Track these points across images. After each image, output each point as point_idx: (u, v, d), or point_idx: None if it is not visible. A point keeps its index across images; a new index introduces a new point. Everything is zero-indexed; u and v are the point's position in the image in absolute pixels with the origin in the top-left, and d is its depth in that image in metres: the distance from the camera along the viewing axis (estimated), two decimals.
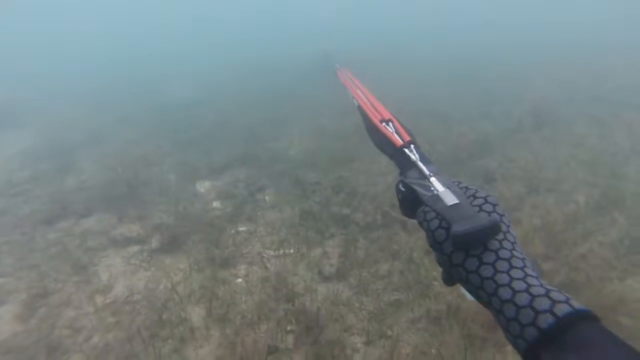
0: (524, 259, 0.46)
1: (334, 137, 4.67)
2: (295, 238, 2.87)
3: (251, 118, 5.73)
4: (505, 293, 0.43)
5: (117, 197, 3.63)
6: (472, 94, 6.03)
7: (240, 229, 3.08)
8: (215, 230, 3.01)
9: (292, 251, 2.76)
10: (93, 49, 16.18)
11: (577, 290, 2.01)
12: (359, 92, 0.98)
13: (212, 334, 2.05)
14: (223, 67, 10.71)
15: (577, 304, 0.40)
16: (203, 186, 3.89)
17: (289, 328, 2.08)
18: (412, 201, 0.61)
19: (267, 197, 3.55)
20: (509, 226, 0.51)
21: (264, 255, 2.76)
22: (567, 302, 0.40)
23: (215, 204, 3.52)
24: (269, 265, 2.64)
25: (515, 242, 0.48)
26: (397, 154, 0.70)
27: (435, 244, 0.51)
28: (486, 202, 0.53)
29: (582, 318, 0.39)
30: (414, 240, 2.68)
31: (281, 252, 2.75)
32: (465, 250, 0.48)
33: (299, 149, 4.48)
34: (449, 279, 0.54)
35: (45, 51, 15.36)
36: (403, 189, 0.62)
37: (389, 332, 2.03)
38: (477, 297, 0.48)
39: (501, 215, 0.52)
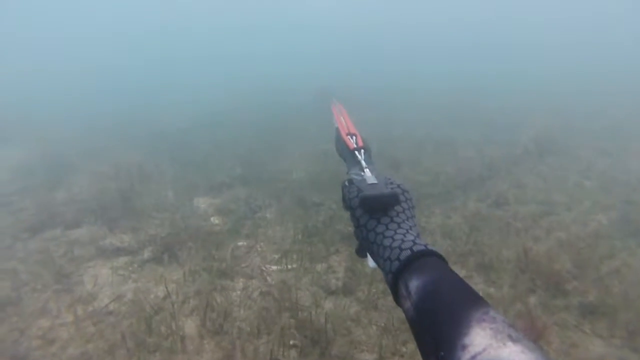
0: (413, 226, 0.60)
1: (335, 161, 4.65)
2: (298, 254, 2.70)
3: (253, 143, 5.75)
4: (386, 241, 0.56)
5: (110, 208, 3.46)
6: (475, 123, 6.21)
7: (240, 243, 2.91)
8: (213, 243, 2.84)
9: (294, 266, 2.58)
10: (92, 74, 16.59)
11: (613, 307, 1.85)
12: (341, 118, 1.19)
13: (206, 346, 1.82)
14: (224, 99, 11.03)
15: (432, 247, 0.53)
16: (201, 202, 3.76)
17: (292, 342, 1.86)
18: (350, 195, 0.72)
19: (268, 215, 3.42)
20: (411, 207, 0.65)
21: (264, 268, 2.57)
22: (425, 245, 0.53)
23: (214, 219, 3.37)
24: (269, 279, 2.44)
25: (411, 217, 0.62)
26: (349, 156, 0.86)
27: (350, 209, 0.66)
28: (398, 187, 0.67)
29: (431, 255, 0.51)
30: None
31: (283, 266, 2.57)
32: (369, 214, 0.61)
33: (301, 172, 4.43)
34: (360, 250, 0.67)
35: (47, 74, 15.68)
36: (347, 185, 0.74)
37: (403, 349, 1.82)
38: (371, 253, 0.60)
39: (407, 199, 0.66)
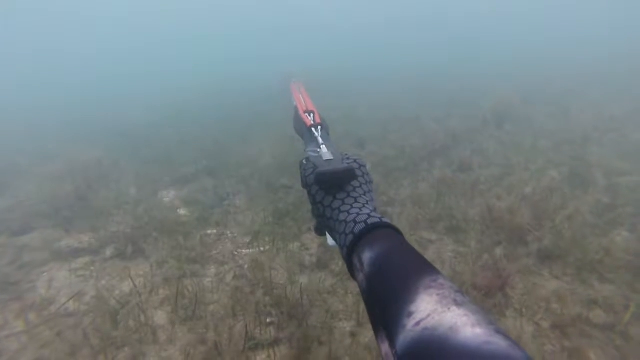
0: (370, 201, 0.59)
1: (302, 143, 4.61)
2: (270, 235, 2.65)
3: (219, 135, 5.55)
4: (342, 216, 0.56)
5: (64, 210, 3.21)
6: (439, 101, 6.38)
7: (209, 231, 2.81)
8: (181, 233, 2.72)
9: (267, 248, 2.53)
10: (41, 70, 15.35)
11: (565, 250, 1.99)
12: (300, 96, 1.19)
13: (179, 334, 1.74)
14: (189, 88, 10.59)
15: (386, 220, 0.52)
16: (166, 196, 3.58)
17: (268, 320, 1.82)
18: (307, 172, 0.71)
19: (237, 202, 3.33)
20: (369, 182, 0.64)
21: (236, 253, 2.50)
22: (380, 218, 0.53)
23: (181, 211, 3.23)
24: (242, 262, 2.38)
25: (368, 192, 0.61)
26: (306, 133, 0.87)
27: (306, 186, 0.65)
28: (355, 162, 0.66)
29: (385, 227, 0.51)
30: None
31: (256, 249, 2.51)
32: (325, 190, 0.60)
33: (269, 157, 4.34)
34: (318, 228, 0.67)
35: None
36: (305, 163, 0.73)
37: None
38: (328, 229, 0.59)
39: (364, 173, 0.65)
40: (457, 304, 0.37)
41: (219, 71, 14.40)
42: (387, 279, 0.44)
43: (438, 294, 0.38)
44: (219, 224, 2.91)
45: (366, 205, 0.57)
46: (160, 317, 1.89)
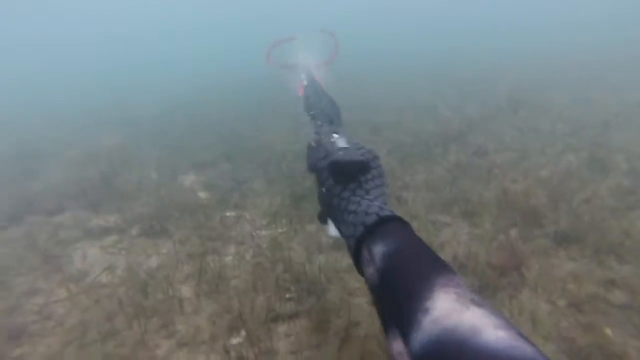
0: (381, 194, 0.58)
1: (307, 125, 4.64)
2: (287, 218, 2.73)
3: (235, 123, 5.64)
4: (352, 206, 0.55)
5: (92, 193, 3.38)
6: (453, 89, 6.27)
7: (228, 214, 2.91)
8: (202, 215, 2.83)
9: (285, 230, 2.62)
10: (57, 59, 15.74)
11: (583, 232, 1.99)
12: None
13: (204, 305, 1.85)
14: (201, 75, 10.71)
15: (398, 214, 0.51)
16: (186, 180, 3.71)
17: (287, 295, 1.91)
18: (317, 153, 0.71)
19: (254, 186, 3.41)
20: (380, 175, 0.62)
21: (255, 234, 2.59)
22: (391, 211, 0.52)
23: (201, 194, 3.35)
24: (260, 242, 2.47)
25: (379, 185, 0.60)
26: (322, 116, 0.86)
27: (315, 171, 0.64)
28: (368, 152, 0.65)
29: (397, 220, 0.50)
30: (407, 209, 2.62)
31: (273, 230, 2.60)
32: (336, 179, 0.59)
33: (284, 144, 4.40)
34: (323, 216, 0.67)
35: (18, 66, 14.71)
36: (313, 145, 0.74)
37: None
38: (335, 219, 0.58)
39: (377, 165, 0.64)
40: (477, 304, 0.36)
41: (232, 58, 14.44)
42: (402, 274, 0.43)
43: (455, 293, 0.38)
44: (237, 206, 3.01)
45: (378, 198, 0.56)
46: (186, 290, 2.01)
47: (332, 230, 0.63)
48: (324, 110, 0.92)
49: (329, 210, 0.60)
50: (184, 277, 2.13)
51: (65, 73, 13.66)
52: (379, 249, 0.47)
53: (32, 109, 8.64)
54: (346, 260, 2.22)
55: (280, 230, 2.61)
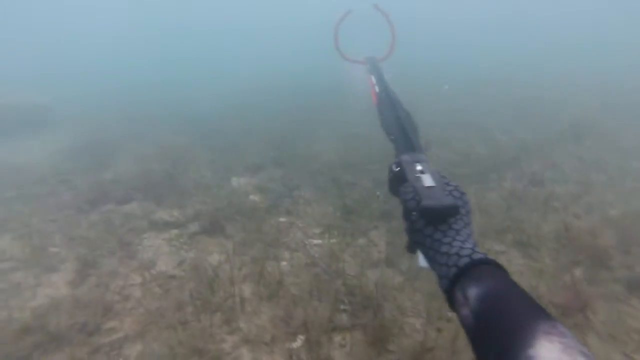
0: (471, 234, 0.60)
1: (365, 143, 4.72)
2: (339, 229, 2.82)
3: (284, 128, 5.85)
4: (444, 248, 0.57)
5: (154, 187, 3.68)
6: (504, 109, 6.08)
7: (281, 219, 3.06)
8: (256, 218, 3.00)
9: (336, 241, 2.71)
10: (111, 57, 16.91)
11: None
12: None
13: (264, 308, 1.98)
14: (249, 79, 11.12)
15: (492, 257, 0.52)
16: (239, 182, 3.92)
17: (342, 307, 2.00)
18: (399, 180, 0.73)
19: (304, 194, 3.54)
20: (468, 213, 0.64)
21: (307, 242, 2.71)
22: (484, 254, 0.53)
23: (253, 197, 3.53)
24: (312, 252, 2.58)
25: (467, 225, 0.62)
26: (400, 138, 0.84)
27: (407, 212, 0.65)
28: (455, 189, 0.66)
29: (490, 264, 0.51)
30: None
31: (325, 240, 2.70)
32: (426, 221, 0.61)
33: (333, 153, 4.51)
34: (411, 247, 0.68)
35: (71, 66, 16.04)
36: (396, 169, 0.75)
37: (449, 314, 1.92)
38: (426, 256, 0.61)
39: (464, 203, 0.66)
40: (586, 356, 0.35)
41: (294, 59, 14.77)
42: (500, 318, 0.43)
43: (561, 343, 0.36)
44: (289, 213, 3.15)
45: (468, 240, 0.58)
46: (246, 290, 2.16)
47: (422, 261, 0.65)
48: (404, 131, 0.87)
49: (421, 248, 0.63)
50: (243, 278, 2.28)
51: (127, 69, 14.77)
52: (473, 291, 0.47)
53: (95, 101, 9.46)
54: (397, 277, 2.27)
55: (332, 240, 2.71)
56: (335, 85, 8.12)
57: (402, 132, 0.88)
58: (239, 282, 2.23)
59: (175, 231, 2.94)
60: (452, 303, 0.52)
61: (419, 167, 0.72)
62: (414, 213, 0.63)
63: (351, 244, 2.63)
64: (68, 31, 27.37)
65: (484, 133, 4.85)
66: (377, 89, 1.21)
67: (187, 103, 8.54)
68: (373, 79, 1.29)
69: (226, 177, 4.03)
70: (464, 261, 0.52)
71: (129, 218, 3.09)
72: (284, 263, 2.45)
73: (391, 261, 2.40)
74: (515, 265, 2.30)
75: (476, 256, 0.52)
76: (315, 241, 2.73)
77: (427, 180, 0.67)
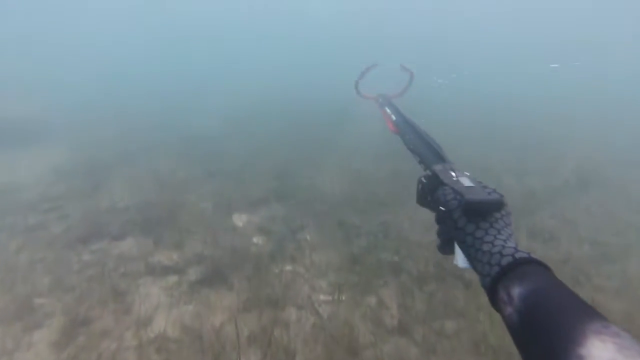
0: (511, 235, 0.59)
1: (371, 181, 4.65)
2: (346, 284, 2.69)
3: (282, 154, 5.76)
4: (486, 247, 0.56)
5: (152, 221, 3.51)
6: (508, 147, 6.11)
7: (286, 268, 2.91)
8: (258, 267, 2.85)
9: (344, 298, 2.57)
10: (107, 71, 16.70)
11: None
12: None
13: None
14: (251, 92, 11.07)
15: (535, 256, 0.50)
16: (240, 220, 3.77)
17: None
18: (430, 190, 0.75)
19: (308, 237, 3.42)
20: (508, 213, 0.64)
21: (314, 299, 2.56)
22: (527, 253, 0.51)
23: (255, 239, 3.38)
24: (321, 311, 2.43)
25: (508, 225, 0.61)
26: (429, 153, 0.86)
27: (448, 211, 0.65)
28: (494, 191, 0.66)
29: (534, 263, 0.49)
30: (475, 296, 2.50)
31: (333, 297, 2.56)
32: (468, 218, 0.61)
33: (336, 190, 4.42)
34: (444, 247, 0.68)
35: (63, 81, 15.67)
36: (425, 181, 0.76)
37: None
38: (467, 255, 0.60)
39: (505, 204, 0.65)
40: None
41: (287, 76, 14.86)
42: (547, 317, 0.42)
43: (614, 343, 0.35)
44: (294, 260, 3.01)
45: (509, 239, 0.57)
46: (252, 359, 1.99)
47: (460, 261, 0.64)
48: (429, 146, 0.91)
49: (462, 247, 0.62)
50: (248, 342, 2.12)
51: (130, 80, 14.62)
52: (517, 290, 0.47)
53: (93, 112, 9.26)
54: (413, 349, 2.14)
55: (342, 297, 2.57)
56: (337, 106, 8.13)
57: (429, 147, 0.90)
58: (245, 349, 2.07)
59: (174, 278, 2.77)
60: (495, 302, 0.51)
61: (453, 174, 0.73)
62: (456, 212, 0.64)
63: (361, 303, 2.49)
64: (69, 34, 27.19)
65: (489, 174, 4.83)
66: (393, 117, 1.25)
67: (187, 118, 8.41)
68: (387, 110, 1.34)
69: (227, 212, 3.88)
70: (506, 260, 0.51)
71: (124, 260, 2.90)
72: (291, 323, 2.30)
73: (405, 328, 2.27)
74: None
75: (519, 255, 0.51)
76: (323, 297, 2.59)
77: (466, 182, 0.69)
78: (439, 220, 0.69)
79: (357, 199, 4.12)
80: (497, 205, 0.61)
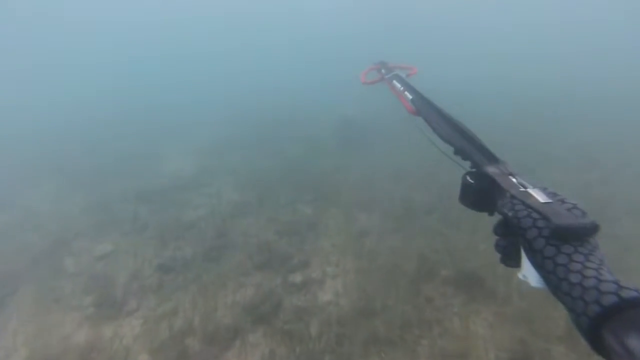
0: (603, 262, 0.48)
1: (391, 258, 3.72)
2: None
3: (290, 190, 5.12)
4: (574, 277, 0.46)
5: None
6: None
7: None
8: None
9: None
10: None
11: None
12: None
13: None
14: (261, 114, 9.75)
15: None
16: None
17: None
18: (478, 192, 0.68)
19: None
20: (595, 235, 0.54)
21: None
22: (635, 289, 0.42)
23: None
24: None
25: (595, 248, 0.51)
26: (478, 151, 0.75)
27: (520, 229, 0.55)
28: (575, 207, 0.55)
29: None
30: None
31: None
32: (545, 239, 0.51)
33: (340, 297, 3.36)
34: (508, 261, 0.60)
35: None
36: (472, 181, 0.69)
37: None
38: (547, 281, 0.51)
39: None
40: None
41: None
42: None
43: None
44: None
45: (602, 267, 0.47)
46: None
47: (533, 279, 0.54)
48: (468, 137, 0.80)
49: (540, 272, 0.52)
50: None
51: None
52: (635, 343, 0.38)
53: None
54: None
55: None
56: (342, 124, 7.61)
57: (467, 139, 0.79)
58: None
59: None
60: (600, 349, 0.43)
61: (515, 180, 0.63)
62: (531, 232, 0.53)
63: None
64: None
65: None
66: (408, 95, 1.08)
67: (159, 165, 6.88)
68: (397, 85, 1.19)
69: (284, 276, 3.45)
70: (609, 299, 0.41)
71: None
72: None
73: None
74: None
75: (627, 294, 0.41)
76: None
77: (540, 196, 0.57)
78: (502, 232, 0.59)
79: (375, 307, 3.24)
80: (591, 232, 0.51)
